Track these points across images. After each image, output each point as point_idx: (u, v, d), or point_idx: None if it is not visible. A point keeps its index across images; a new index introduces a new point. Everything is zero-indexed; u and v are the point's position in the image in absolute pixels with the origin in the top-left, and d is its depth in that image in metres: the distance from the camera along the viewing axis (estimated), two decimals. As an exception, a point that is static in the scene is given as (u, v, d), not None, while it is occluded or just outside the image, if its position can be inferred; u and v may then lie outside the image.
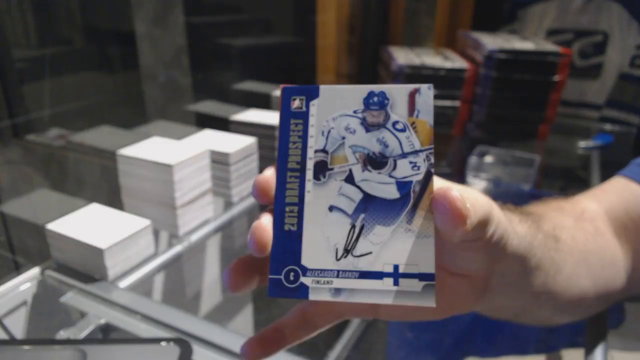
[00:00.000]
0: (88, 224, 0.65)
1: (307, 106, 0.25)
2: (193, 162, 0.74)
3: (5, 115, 0.76)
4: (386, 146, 0.24)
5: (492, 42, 1.18)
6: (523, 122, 1.19)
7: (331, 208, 0.24)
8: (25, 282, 0.65)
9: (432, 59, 1.23)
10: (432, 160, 0.24)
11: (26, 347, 0.48)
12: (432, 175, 0.23)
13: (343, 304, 0.30)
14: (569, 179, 1.14)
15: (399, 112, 0.24)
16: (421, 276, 0.22)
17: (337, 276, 0.23)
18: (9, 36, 0.82)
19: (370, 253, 0.23)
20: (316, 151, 0.24)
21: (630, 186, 0.45)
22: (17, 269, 0.66)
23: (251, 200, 0.88)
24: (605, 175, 1.02)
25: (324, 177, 0.24)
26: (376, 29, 1.52)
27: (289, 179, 0.24)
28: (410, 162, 0.23)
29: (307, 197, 0.24)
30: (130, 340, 0.51)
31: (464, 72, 1.16)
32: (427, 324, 0.75)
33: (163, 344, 0.48)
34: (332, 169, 0.24)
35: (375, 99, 0.24)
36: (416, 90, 0.24)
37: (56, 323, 0.62)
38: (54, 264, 0.66)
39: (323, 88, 0.25)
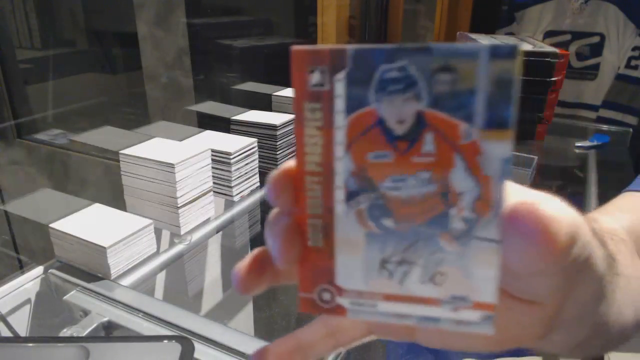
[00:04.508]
0: (91, 223, 0.66)
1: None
2: (194, 161, 0.74)
3: (9, 116, 0.77)
4: None
5: (490, 43, 1.19)
6: (521, 123, 1.18)
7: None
8: (29, 280, 0.66)
9: (431, 60, 1.24)
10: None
11: (30, 344, 0.48)
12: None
13: (374, 323, 0.25)
14: (567, 179, 1.15)
15: None
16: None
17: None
18: (13, 38, 0.83)
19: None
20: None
21: None
22: (21, 268, 0.66)
23: (252, 200, 0.89)
24: (602, 175, 1.03)
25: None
26: (376, 30, 1.53)
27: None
28: None
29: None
30: (132, 338, 0.52)
31: (463, 73, 1.17)
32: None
33: (165, 341, 0.49)
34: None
35: None
36: None
37: (59, 321, 0.63)
38: (58, 263, 0.67)
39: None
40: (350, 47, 0.17)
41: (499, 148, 0.16)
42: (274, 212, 0.21)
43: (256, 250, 0.22)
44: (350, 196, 0.18)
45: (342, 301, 0.20)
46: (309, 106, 0.18)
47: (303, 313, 0.28)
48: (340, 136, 0.18)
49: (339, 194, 0.18)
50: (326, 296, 0.20)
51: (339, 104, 0.17)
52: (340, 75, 0.17)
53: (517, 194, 0.18)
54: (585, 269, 0.22)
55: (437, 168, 0.17)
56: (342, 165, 0.18)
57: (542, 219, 0.16)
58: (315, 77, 0.17)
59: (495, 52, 0.16)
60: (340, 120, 0.18)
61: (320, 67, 0.17)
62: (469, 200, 0.17)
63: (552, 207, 0.17)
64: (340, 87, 0.17)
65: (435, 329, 0.23)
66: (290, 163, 0.19)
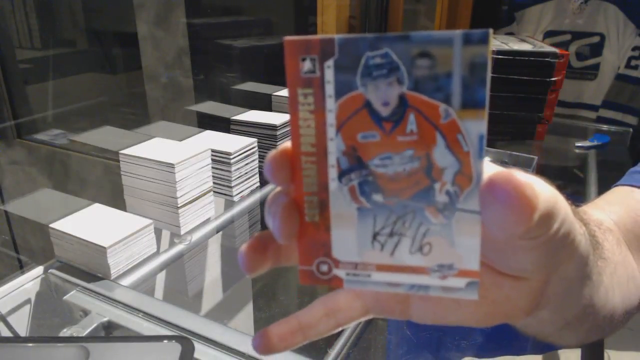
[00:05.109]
0: (91, 223, 0.66)
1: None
2: (194, 161, 0.74)
3: (9, 116, 0.77)
4: None
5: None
6: (521, 123, 1.19)
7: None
8: (29, 280, 0.66)
9: (431, 60, 1.24)
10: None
11: (30, 344, 0.48)
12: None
13: (370, 301, 0.27)
14: (567, 179, 1.15)
15: None
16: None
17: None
18: (13, 38, 0.83)
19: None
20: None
21: (634, 194, 0.41)
22: (21, 268, 0.66)
23: (252, 200, 0.89)
24: (602, 174, 1.03)
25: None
26: (376, 30, 1.53)
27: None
28: None
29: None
30: (132, 338, 0.52)
31: (463, 73, 1.17)
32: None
33: (165, 341, 0.49)
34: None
35: None
36: None
37: (59, 321, 0.63)
38: (58, 263, 0.67)
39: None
40: (338, 37, 0.18)
41: (476, 125, 0.18)
42: (272, 193, 0.22)
43: (258, 232, 0.23)
44: (343, 174, 0.20)
45: (339, 272, 0.21)
46: (302, 92, 0.19)
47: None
48: (331, 118, 0.19)
49: (332, 172, 0.20)
50: (324, 268, 0.21)
51: (329, 89, 0.19)
52: (330, 63, 0.18)
53: (494, 169, 0.19)
54: (567, 245, 0.22)
55: (420, 146, 0.19)
56: (334, 145, 0.19)
57: (518, 184, 0.17)
58: (306, 65, 0.19)
59: (468, 38, 0.17)
60: (331, 103, 0.19)
61: (311, 55, 0.18)
62: (450, 175, 0.19)
63: (527, 176, 0.18)
64: (329, 74, 0.18)
65: (429, 306, 0.25)
66: (287, 144, 0.20)
